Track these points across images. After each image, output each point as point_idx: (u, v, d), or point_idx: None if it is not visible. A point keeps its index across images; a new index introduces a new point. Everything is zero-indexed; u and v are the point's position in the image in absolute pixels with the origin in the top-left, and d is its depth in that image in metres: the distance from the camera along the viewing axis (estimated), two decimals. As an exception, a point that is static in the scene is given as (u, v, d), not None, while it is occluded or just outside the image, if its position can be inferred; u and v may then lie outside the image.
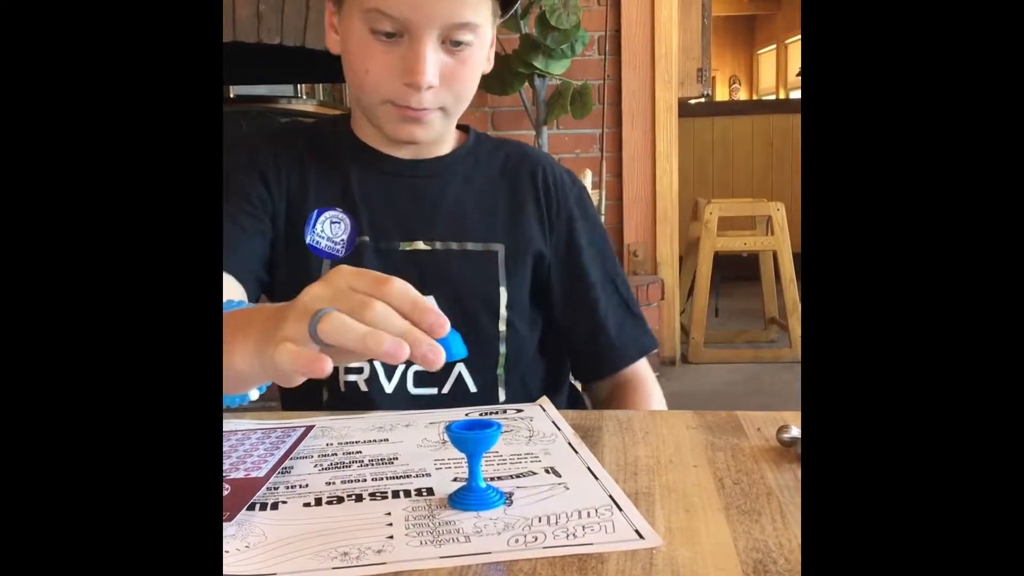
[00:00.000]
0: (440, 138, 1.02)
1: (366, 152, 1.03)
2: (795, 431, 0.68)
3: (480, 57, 0.96)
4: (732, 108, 6.94)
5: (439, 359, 0.55)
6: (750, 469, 0.65)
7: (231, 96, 3.68)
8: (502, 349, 0.99)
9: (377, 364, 0.95)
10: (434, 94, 0.92)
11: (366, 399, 0.95)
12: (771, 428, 0.72)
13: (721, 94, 9.58)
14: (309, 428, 0.76)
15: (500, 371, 1.00)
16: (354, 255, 0.97)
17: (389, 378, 0.97)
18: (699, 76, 4.04)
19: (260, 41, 2.75)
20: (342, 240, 0.98)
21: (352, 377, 0.97)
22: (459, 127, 1.07)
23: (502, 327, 0.99)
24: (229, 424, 0.77)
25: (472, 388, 0.98)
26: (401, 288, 0.57)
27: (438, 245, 1.00)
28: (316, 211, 0.98)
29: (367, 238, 0.98)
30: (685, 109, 4.21)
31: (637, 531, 0.54)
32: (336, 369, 0.94)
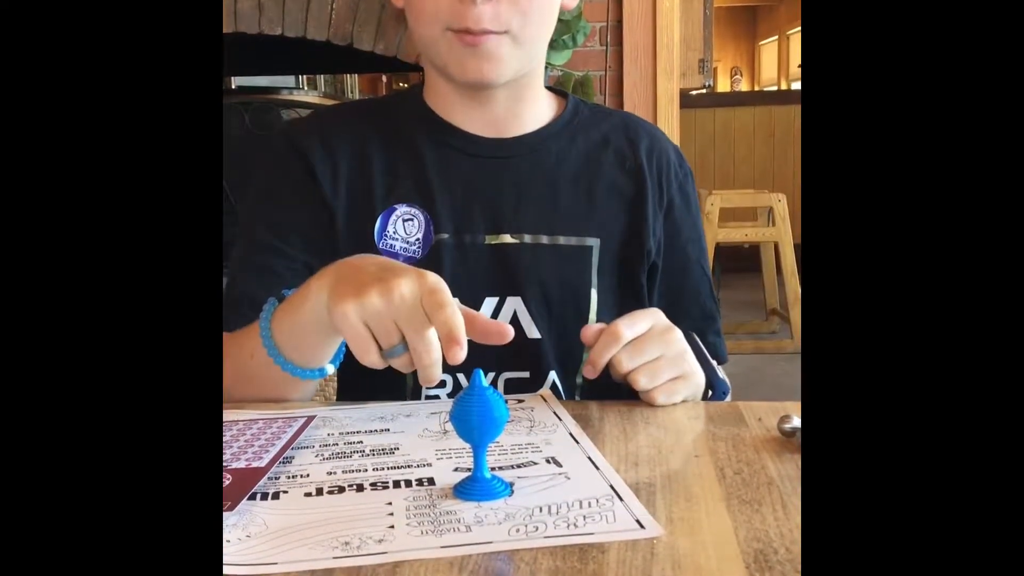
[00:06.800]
0: (518, 80, 0.89)
1: (443, 130, 0.92)
2: (796, 421, 0.68)
3: None
4: (734, 99, 6.94)
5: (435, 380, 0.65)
6: (751, 459, 0.65)
7: (233, 87, 3.68)
8: (587, 356, 0.91)
9: (462, 378, 0.89)
10: (494, 11, 0.81)
11: None
12: (772, 418, 0.72)
13: (723, 85, 9.56)
14: (310, 418, 0.76)
15: (579, 379, 0.91)
16: (432, 255, 0.88)
17: None
18: (701, 67, 4.03)
19: (261, 32, 2.74)
20: (417, 239, 0.88)
21: (435, 391, 0.90)
22: (558, 94, 0.96)
23: None
24: (230, 415, 0.77)
25: (563, 396, 0.90)
26: (447, 318, 0.62)
27: (527, 238, 0.89)
28: (384, 212, 0.89)
29: (446, 235, 0.89)
30: (687, 100, 4.21)
31: (638, 521, 0.54)
32: (417, 387, 0.90)
